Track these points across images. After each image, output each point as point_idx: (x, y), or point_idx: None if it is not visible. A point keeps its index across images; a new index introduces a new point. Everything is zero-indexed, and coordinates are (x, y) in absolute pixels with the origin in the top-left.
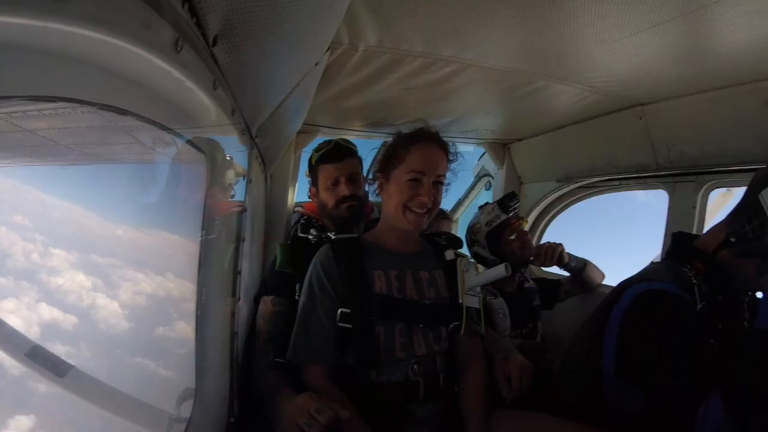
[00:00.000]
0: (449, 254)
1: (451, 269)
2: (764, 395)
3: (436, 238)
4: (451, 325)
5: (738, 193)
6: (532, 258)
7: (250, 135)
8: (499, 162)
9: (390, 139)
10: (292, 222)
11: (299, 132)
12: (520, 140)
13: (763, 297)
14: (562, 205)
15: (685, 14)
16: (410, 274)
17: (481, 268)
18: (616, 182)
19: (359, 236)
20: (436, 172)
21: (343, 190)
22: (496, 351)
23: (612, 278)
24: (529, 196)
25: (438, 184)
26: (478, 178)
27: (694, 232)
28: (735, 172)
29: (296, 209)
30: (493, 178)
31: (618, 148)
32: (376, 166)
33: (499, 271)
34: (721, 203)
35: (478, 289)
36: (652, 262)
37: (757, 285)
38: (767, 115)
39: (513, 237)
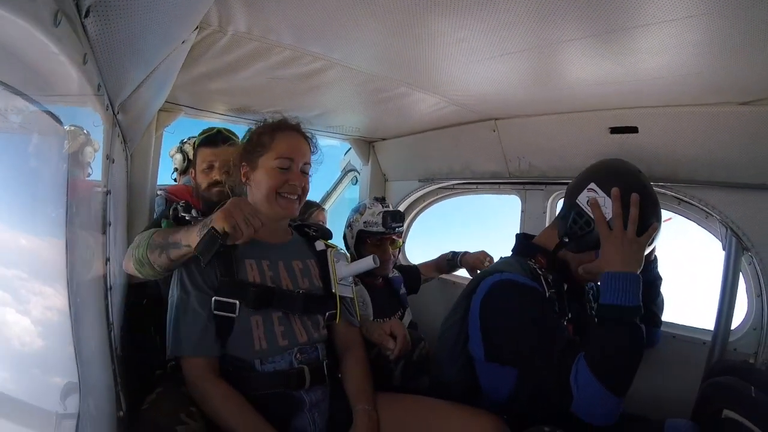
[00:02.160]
0: (320, 245)
1: (322, 260)
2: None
3: (306, 228)
4: (327, 314)
5: None
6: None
7: (113, 112)
8: (365, 159)
9: (254, 126)
10: (156, 206)
11: (161, 110)
12: (384, 140)
13: (601, 282)
14: (426, 203)
15: (533, 48)
16: (282, 265)
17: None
18: (474, 186)
19: None
20: (303, 159)
21: (216, 174)
22: (370, 324)
23: None
24: (394, 193)
25: (304, 173)
26: (345, 172)
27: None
28: None
29: (159, 192)
30: (359, 173)
31: (474, 155)
32: (240, 158)
33: (368, 262)
34: None
35: (350, 279)
36: (501, 258)
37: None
38: (608, 138)
39: (378, 252)
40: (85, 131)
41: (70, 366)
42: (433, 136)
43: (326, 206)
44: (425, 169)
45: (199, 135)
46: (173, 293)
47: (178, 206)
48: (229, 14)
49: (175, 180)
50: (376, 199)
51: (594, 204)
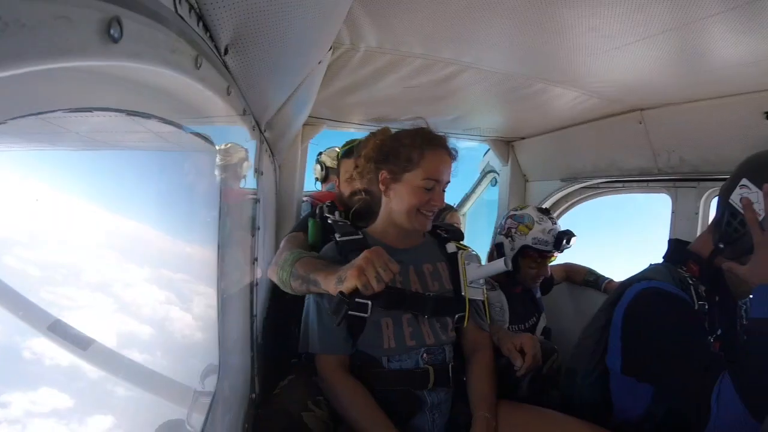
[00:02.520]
0: (451, 247)
1: (453, 262)
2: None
3: (438, 230)
4: (456, 316)
5: None
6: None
7: (259, 130)
8: (504, 159)
9: (396, 130)
10: (302, 211)
11: (305, 124)
12: (523, 138)
13: (754, 294)
14: (568, 204)
15: (673, 29)
16: (413, 270)
17: (484, 260)
18: (620, 184)
19: (364, 236)
20: (447, 178)
21: (357, 183)
22: (503, 334)
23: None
24: (535, 194)
25: (444, 190)
26: (484, 174)
27: (697, 234)
28: None
29: (305, 199)
30: (498, 174)
31: (620, 150)
32: (376, 159)
33: (499, 265)
34: None
35: (482, 281)
36: (651, 264)
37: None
38: (765, 125)
39: (536, 268)
40: (244, 149)
41: (213, 351)
42: (575, 132)
43: (465, 208)
44: (567, 167)
45: (342, 147)
46: (314, 296)
47: (324, 206)
48: (359, 32)
49: (319, 188)
50: (541, 211)
51: (747, 203)
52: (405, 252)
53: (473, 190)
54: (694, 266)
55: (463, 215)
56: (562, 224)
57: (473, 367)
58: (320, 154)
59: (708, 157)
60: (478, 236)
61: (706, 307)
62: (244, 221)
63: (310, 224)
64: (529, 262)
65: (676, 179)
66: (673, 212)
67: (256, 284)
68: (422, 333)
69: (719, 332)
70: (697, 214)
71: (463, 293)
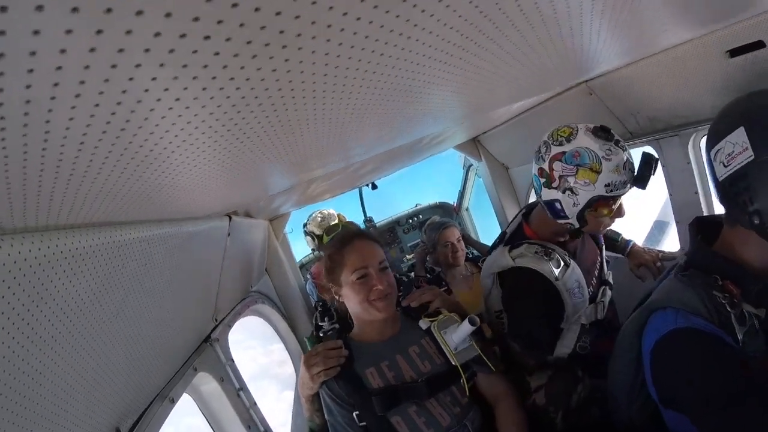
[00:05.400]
0: (424, 323)
1: (433, 336)
2: None
3: (408, 309)
4: (461, 381)
5: None
6: None
7: None
8: (476, 157)
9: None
10: (309, 293)
11: (270, 220)
12: (485, 133)
13: None
14: None
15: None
16: (401, 358)
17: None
18: None
19: (346, 340)
20: (376, 260)
21: None
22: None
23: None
24: (519, 179)
25: (383, 270)
26: (467, 168)
27: (697, 183)
28: None
29: (307, 276)
30: (478, 168)
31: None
32: (326, 276)
33: (467, 327)
34: None
35: (467, 339)
36: (677, 275)
37: None
38: (729, 65)
39: (609, 214)
40: None
41: None
42: (532, 115)
43: (465, 204)
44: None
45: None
46: (327, 416)
47: (317, 314)
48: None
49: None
50: (600, 135)
51: None
52: (388, 344)
53: (464, 186)
54: (733, 287)
55: (467, 210)
56: None
57: (498, 421)
58: (305, 225)
59: (677, 111)
60: (488, 226)
61: (757, 323)
62: None
63: (308, 346)
64: (601, 211)
65: (654, 131)
66: (663, 166)
67: None
68: (435, 417)
69: None
70: (689, 163)
71: (453, 363)
